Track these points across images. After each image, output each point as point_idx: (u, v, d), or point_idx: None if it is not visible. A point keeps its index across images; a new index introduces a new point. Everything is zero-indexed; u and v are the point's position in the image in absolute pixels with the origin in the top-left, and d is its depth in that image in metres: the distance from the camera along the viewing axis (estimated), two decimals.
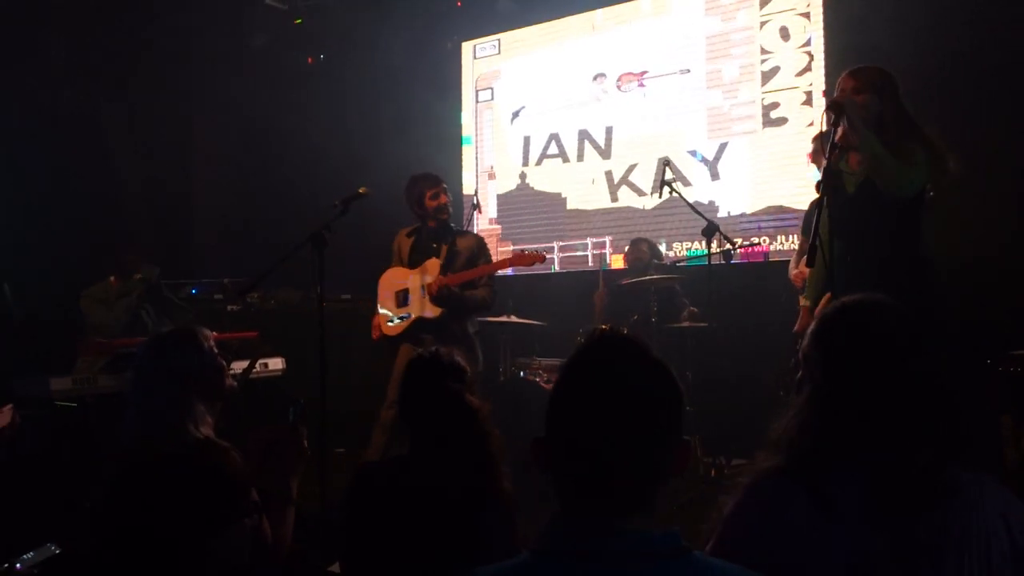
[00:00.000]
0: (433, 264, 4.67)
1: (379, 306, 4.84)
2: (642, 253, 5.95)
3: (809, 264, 2.77)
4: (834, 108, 3.00)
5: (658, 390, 1.21)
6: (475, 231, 4.97)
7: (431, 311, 4.59)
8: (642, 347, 1.25)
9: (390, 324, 4.75)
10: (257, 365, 4.82)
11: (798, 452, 1.45)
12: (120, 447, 2.11)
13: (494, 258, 5.04)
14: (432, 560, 1.84)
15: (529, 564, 1.19)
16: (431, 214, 4.73)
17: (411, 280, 4.72)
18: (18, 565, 1.87)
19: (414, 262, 4.76)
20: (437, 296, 4.53)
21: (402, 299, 4.74)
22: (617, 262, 6.57)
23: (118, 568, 1.49)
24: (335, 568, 2.98)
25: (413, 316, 4.66)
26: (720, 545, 1.46)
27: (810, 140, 4.79)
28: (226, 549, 1.52)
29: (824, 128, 3.01)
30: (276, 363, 5.13)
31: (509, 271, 7.16)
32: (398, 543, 1.92)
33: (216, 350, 2.29)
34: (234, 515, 1.54)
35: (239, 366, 4.64)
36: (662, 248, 6.44)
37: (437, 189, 4.74)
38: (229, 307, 6.00)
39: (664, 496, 1.26)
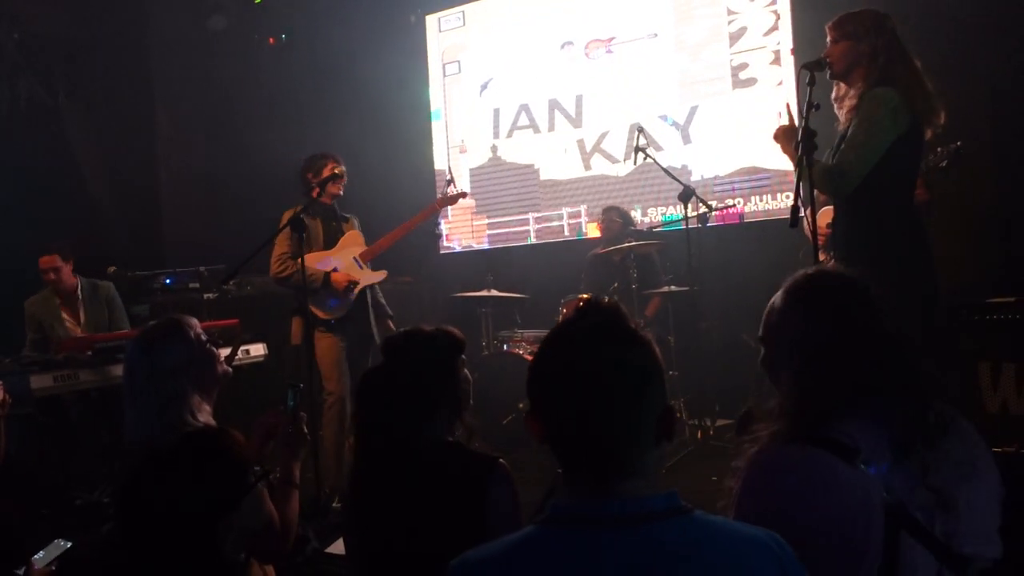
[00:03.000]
0: (355, 236, 4.75)
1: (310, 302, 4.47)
2: (612, 222, 5.96)
3: (792, 225, 2.78)
4: (810, 67, 3.01)
5: (629, 359, 1.25)
6: (448, 207, 5.00)
7: (377, 276, 4.73)
8: (614, 317, 1.29)
9: (331, 308, 4.60)
10: (239, 352, 4.78)
11: (807, 413, 1.51)
12: (123, 446, 2.10)
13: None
14: (439, 536, 1.85)
15: (534, 535, 1.23)
16: (329, 191, 4.61)
17: (337, 259, 4.65)
18: (36, 565, 1.86)
19: (329, 242, 4.68)
20: (373, 262, 4.71)
21: None
22: (593, 231, 6.57)
23: (137, 558, 1.51)
24: (335, 549, 3.00)
25: (362, 283, 4.65)
26: (743, 518, 1.49)
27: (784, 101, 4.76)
28: (242, 519, 1.54)
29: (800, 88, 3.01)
30: (258, 349, 5.11)
31: (486, 244, 7.19)
32: (403, 519, 1.92)
33: (204, 337, 2.27)
34: (241, 492, 1.56)
35: (222, 353, 4.61)
36: (636, 214, 6.45)
37: (341, 169, 4.66)
38: (206, 295, 5.94)
39: (660, 463, 1.30)
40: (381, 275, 4.74)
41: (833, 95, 3.21)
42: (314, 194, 4.53)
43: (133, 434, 2.14)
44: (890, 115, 2.93)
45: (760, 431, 1.57)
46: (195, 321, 2.32)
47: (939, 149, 4.05)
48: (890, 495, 1.42)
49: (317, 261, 4.56)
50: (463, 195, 4.88)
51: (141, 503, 1.55)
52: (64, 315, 5.31)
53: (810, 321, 1.58)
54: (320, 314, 4.56)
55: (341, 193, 4.70)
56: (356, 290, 4.63)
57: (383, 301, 4.84)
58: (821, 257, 3.69)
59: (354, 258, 4.66)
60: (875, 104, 2.95)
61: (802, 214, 2.81)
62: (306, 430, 2.23)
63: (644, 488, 1.22)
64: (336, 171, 4.60)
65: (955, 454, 1.48)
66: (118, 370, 4.44)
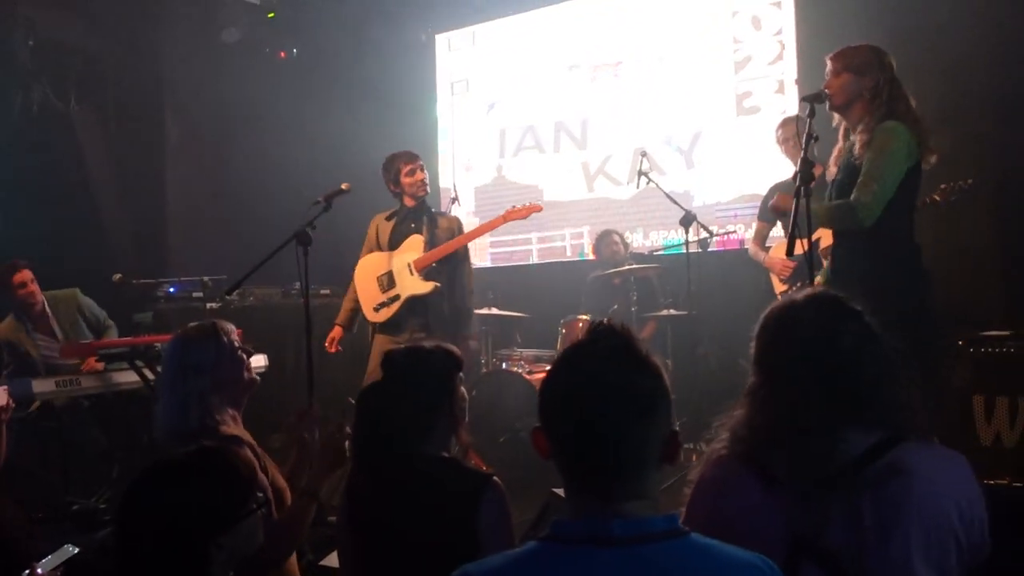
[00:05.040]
0: (416, 240, 4.62)
1: (359, 297, 4.70)
2: (614, 244, 6.00)
3: (788, 254, 2.83)
4: (809, 99, 3.06)
5: (640, 382, 1.29)
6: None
7: (423, 287, 4.53)
8: (627, 341, 1.32)
9: (376, 311, 4.63)
10: None
11: (741, 439, 1.59)
12: (151, 439, 2.22)
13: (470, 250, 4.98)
14: (431, 551, 1.88)
15: (536, 551, 1.26)
16: (408, 191, 4.66)
17: (393, 262, 4.62)
18: (39, 570, 1.89)
19: (394, 244, 4.68)
20: (426, 271, 4.53)
21: (387, 282, 4.64)
22: None
23: (125, 567, 1.54)
24: (329, 562, 3.02)
25: (403, 296, 4.55)
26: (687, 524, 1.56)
27: (777, 126, 4.81)
28: (236, 542, 1.58)
29: (801, 116, 3.06)
30: (259, 360, 5.12)
31: (488, 262, 7.23)
32: (397, 534, 1.95)
33: (237, 344, 2.34)
34: (239, 515, 1.60)
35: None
36: (638, 237, 6.50)
37: (413, 165, 4.65)
38: (209, 305, 5.98)
39: (660, 486, 1.33)
40: (427, 287, 4.53)
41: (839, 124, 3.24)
42: (392, 189, 4.68)
43: (161, 426, 2.28)
44: (904, 148, 3.00)
45: (714, 446, 1.65)
46: (232, 327, 2.43)
47: (943, 186, 4.11)
48: (802, 526, 1.45)
49: (374, 262, 4.68)
50: (538, 208, 4.84)
51: (139, 512, 1.58)
52: (39, 336, 5.24)
53: (766, 346, 1.64)
54: (367, 316, 4.66)
55: (425, 193, 4.70)
56: (396, 305, 4.57)
57: (451, 316, 4.62)
58: (782, 288, 3.82)
59: (408, 264, 4.58)
60: (889, 137, 3.00)
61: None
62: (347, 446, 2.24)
63: (646, 509, 1.26)
64: (411, 168, 4.65)
65: (893, 494, 1.47)
66: (120, 376, 4.49)
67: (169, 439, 2.24)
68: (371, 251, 4.77)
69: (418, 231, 4.66)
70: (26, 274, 5.17)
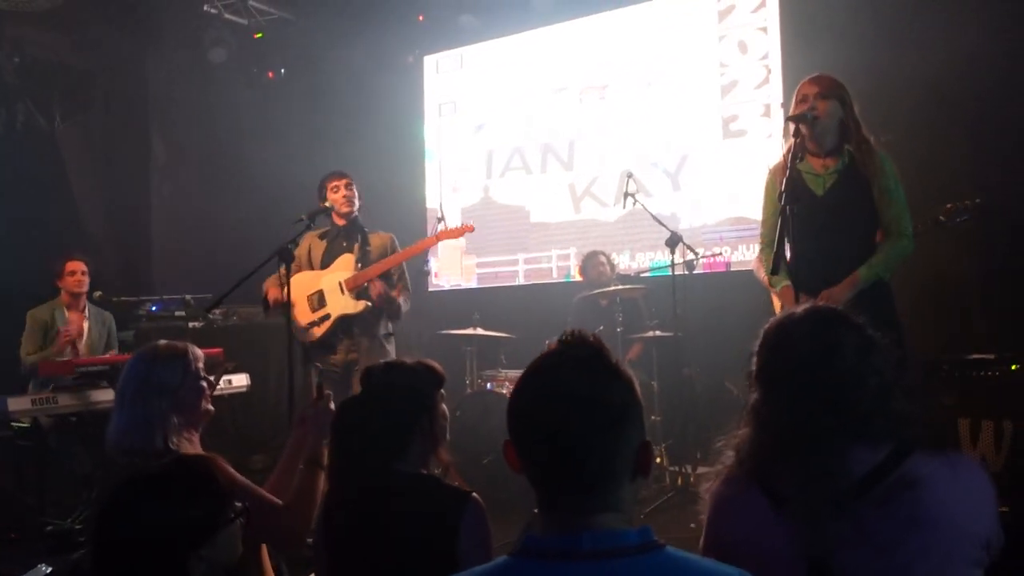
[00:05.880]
0: (347, 259, 4.57)
1: (294, 314, 4.49)
2: (601, 265, 6.00)
3: (773, 272, 2.83)
4: (795, 120, 3.07)
5: (610, 393, 1.25)
6: (438, 245, 4.98)
7: (354, 307, 4.47)
8: (597, 351, 1.28)
9: (306, 331, 4.54)
10: (221, 382, 4.76)
11: (747, 457, 1.55)
12: (103, 453, 2.18)
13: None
14: (410, 569, 1.84)
15: (506, 566, 1.23)
16: (335, 208, 4.58)
17: (324, 281, 4.54)
18: None
19: (326, 263, 4.61)
20: (357, 291, 4.46)
21: (317, 302, 4.54)
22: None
23: None
24: None
25: (333, 316, 4.48)
26: (705, 549, 1.56)
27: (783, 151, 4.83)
28: (215, 552, 1.56)
29: (785, 139, 3.07)
30: (240, 379, 5.08)
31: (475, 283, 7.21)
32: (375, 552, 1.91)
33: (202, 372, 2.34)
34: (219, 525, 1.57)
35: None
36: (624, 259, 6.50)
37: (339, 182, 4.60)
38: (191, 324, 5.93)
39: (635, 499, 1.29)
40: (359, 306, 4.45)
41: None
42: (322, 205, 4.53)
43: (118, 443, 2.24)
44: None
45: (721, 466, 1.61)
46: (200, 354, 2.41)
47: (948, 205, 4.15)
48: (813, 546, 1.41)
49: (304, 281, 4.54)
50: (470, 229, 4.73)
51: (118, 525, 1.54)
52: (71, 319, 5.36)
53: (766, 362, 1.60)
54: (297, 336, 4.49)
55: (349, 209, 4.60)
56: (327, 324, 4.48)
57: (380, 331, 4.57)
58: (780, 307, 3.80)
59: (339, 283, 4.50)
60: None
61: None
62: (332, 406, 2.29)
63: (618, 522, 1.22)
64: (334, 185, 4.57)
65: (905, 509, 1.43)
66: (99, 395, 4.43)
67: (128, 458, 2.20)
68: (300, 269, 4.62)
69: (349, 250, 4.61)
70: (78, 265, 5.44)
